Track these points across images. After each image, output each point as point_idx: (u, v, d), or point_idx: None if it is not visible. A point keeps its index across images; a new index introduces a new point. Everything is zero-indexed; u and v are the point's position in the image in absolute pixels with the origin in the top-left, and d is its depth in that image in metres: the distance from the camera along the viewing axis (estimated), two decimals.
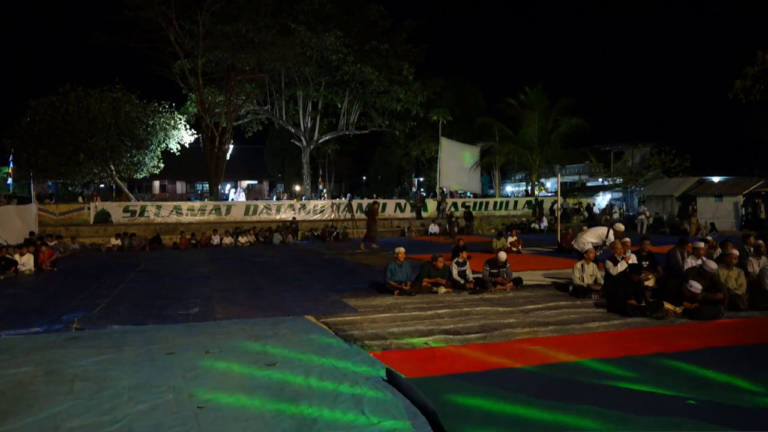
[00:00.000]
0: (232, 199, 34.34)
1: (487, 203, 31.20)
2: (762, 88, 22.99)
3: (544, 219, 27.47)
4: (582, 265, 9.30)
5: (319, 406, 4.31)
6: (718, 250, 9.75)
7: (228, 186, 38.10)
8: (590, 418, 4.10)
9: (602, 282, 9.09)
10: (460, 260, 9.87)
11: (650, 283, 8.97)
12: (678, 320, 7.30)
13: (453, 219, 23.83)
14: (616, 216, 25.56)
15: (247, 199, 36.06)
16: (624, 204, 35.74)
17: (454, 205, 29.26)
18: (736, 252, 8.51)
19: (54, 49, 61.58)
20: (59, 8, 65.83)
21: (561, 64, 75.26)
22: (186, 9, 26.02)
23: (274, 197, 38.04)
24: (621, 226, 10.78)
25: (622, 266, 8.89)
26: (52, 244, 17.51)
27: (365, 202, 29.44)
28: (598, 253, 10.30)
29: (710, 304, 7.52)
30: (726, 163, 36.49)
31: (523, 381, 4.91)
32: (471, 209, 28.29)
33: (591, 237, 10.63)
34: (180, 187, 54.03)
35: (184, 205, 25.55)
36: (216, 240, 21.13)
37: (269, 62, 27.74)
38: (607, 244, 10.27)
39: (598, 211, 28.10)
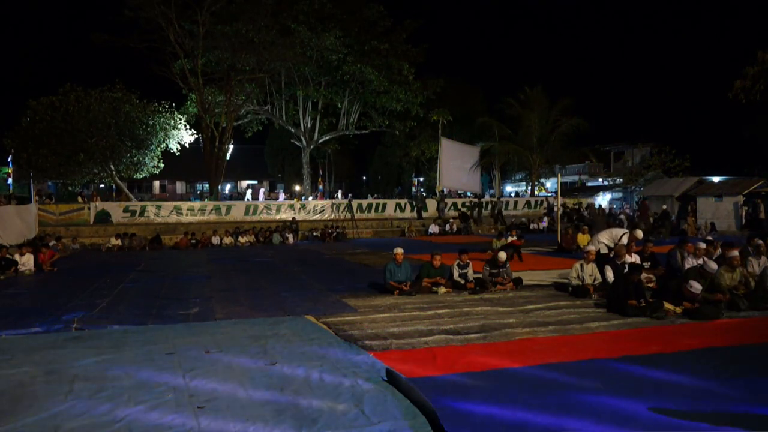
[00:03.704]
0: (247, 199, 33.73)
1: (487, 203, 31.22)
2: (762, 88, 22.98)
3: (545, 219, 27.46)
4: (581, 265, 9.30)
5: (319, 406, 4.31)
6: (718, 251, 9.76)
7: (249, 191, 37.59)
8: (590, 418, 4.10)
9: (601, 281, 9.10)
10: (462, 262, 9.86)
11: (652, 284, 8.97)
12: (678, 320, 7.30)
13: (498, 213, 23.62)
14: (622, 218, 25.47)
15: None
16: (624, 204, 35.76)
17: (454, 205, 29.26)
18: (736, 253, 8.50)
19: (54, 49, 61.54)
20: (59, 8, 65.83)
21: (561, 64, 75.30)
22: (186, 9, 26.00)
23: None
24: (640, 233, 10.53)
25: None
26: (52, 244, 17.51)
27: (365, 202, 29.46)
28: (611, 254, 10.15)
29: (710, 304, 7.52)
30: (726, 163, 36.53)
31: (523, 381, 4.92)
32: (471, 209, 28.17)
33: (604, 238, 10.51)
34: (180, 187, 54.03)
35: (184, 205, 25.54)
36: (216, 240, 21.13)
37: (269, 62, 27.72)
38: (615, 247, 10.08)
39: (587, 212, 27.86)
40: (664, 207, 25.69)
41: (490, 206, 29.53)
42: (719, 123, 43.66)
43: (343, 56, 29.74)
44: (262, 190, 38.29)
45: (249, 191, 37.07)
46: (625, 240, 10.02)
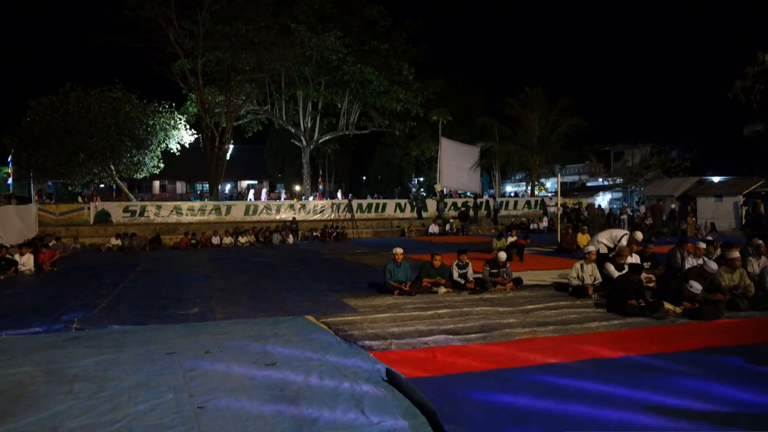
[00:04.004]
0: (250, 199, 33.78)
1: (487, 203, 31.22)
2: (762, 88, 23.02)
3: (544, 219, 27.45)
4: (581, 265, 9.30)
5: (319, 406, 4.31)
6: (718, 251, 9.76)
7: (252, 191, 37.71)
8: (590, 417, 4.10)
9: (600, 281, 9.11)
10: (461, 262, 9.86)
11: (652, 284, 8.97)
12: (678, 320, 7.30)
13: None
14: (624, 218, 25.44)
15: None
16: (623, 204, 35.76)
17: (454, 205, 29.25)
18: (737, 254, 8.48)
19: (54, 49, 61.64)
20: (59, 8, 65.87)
21: (561, 64, 75.30)
22: (186, 9, 26.02)
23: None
24: (639, 234, 10.55)
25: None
26: (52, 244, 17.50)
27: (365, 202, 29.46)
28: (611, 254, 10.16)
29: (710, 304, 7.52)
30: (726, 163, 36.52)
31: (523, 381, 4.92)
32: (467, 209, 28.03)
33: (603, 238, 10.52)
34: (180, 187, 54.04)
35: (184, 205, 25.54)
36: (216, 240, 21.13)
37: (269, 62, 27.73)
38: (617, 248, 10.09)
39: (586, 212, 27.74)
40: (673, 206, 25.47)
41: (486, 206, 29.45)
42: (719, 123, 43.63)
43: (343, 56, 29.74)
44: (264, 191, 38.32)
45: (252, 191, 37.08)
46: (624, 241, 10.01)
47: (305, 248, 19.63)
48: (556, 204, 28.87)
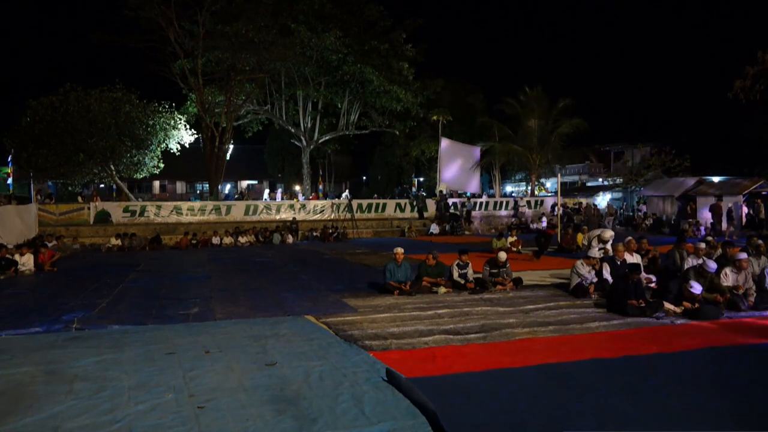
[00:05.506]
0: (266, 199, 33.84)
1: (487, 203, 31.19)
2: (762, 88, 22.99)
3: (544, 218, 27.44)
4: (581, 264, 9.31)
5: (319, 406, 4.31)
6: (718, 251, 9.77)
7: (267, 190, 38.12)
8: (590, 418, 4.10)
9: (597, 280, 9.13)
10: (462, 262, 9.87)
11: (652, 284, 8.99)
12: (678, 320, 7.31)
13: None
14: (610, 219, 25.38)
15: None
16: (624, 204, 35.76)
17: (454, 205, 29.22)
18: (745, 255, 8.48)
19: (54, 49, 61.55)
20: (59, 8, 65.83)
21: (561, 64, 75.25)
22: (186, 9, 26.01)
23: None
24: (608, 233, 10.87)
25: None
26: (52, 244, 17.51)
27: (365, 202, 29.44)
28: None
29: (710, 304, 7.53)
30: (726, 163, 36.44)
31: (523, 381, 4.92)
32: (457, 209, 27.62)
33: (585, 238, 10.84)
34: (180, 187, 53.99)
35: (184, 205, 25.51)
36: (216, 240, 21.13)
37: (269, 62, 27.72)
38: (591, 246, 10.40)
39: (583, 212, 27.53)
40: (730, 206, 24.45)
41: (457, 207, 29.29)
42: (719, 123, 43.52)
43: (343, 56, 29.73)
44: (279, 191, 38.52)
45: (266, 191, 37.48)
46: (595, 243, 10.33)
47: (305, 248, 19.63)
48: (524, 206, 29.03)
